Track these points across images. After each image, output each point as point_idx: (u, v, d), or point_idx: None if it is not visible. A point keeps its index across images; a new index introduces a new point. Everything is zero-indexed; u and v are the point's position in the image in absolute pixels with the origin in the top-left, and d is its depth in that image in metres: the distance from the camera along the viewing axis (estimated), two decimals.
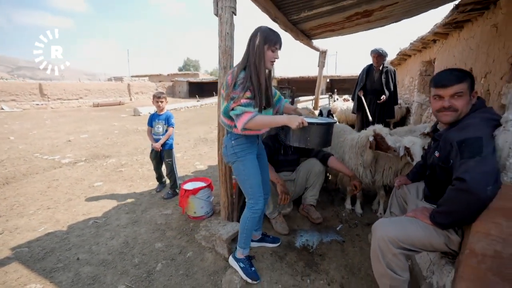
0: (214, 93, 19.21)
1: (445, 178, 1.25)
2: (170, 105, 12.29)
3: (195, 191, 2.41)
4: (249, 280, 1.68)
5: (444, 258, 1.40)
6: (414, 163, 1.86)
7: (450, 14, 3.10)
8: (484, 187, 1.00)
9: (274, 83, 1.73)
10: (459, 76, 1.24)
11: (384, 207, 2.54)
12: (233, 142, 1.60)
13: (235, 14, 1.81)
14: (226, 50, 1.82)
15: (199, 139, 6.28)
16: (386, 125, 3.48)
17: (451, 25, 3.45)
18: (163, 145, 3.04)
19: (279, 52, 1.52)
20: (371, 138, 2.15)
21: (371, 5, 2.38)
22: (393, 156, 2.12)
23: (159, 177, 3.26)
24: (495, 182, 1.02)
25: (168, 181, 3.19)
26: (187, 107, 14.18)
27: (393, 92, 3.98)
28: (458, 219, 1.13)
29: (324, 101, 7.99)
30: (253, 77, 1.44)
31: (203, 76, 27.90)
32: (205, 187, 2.50)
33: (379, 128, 2.17)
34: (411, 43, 5.38)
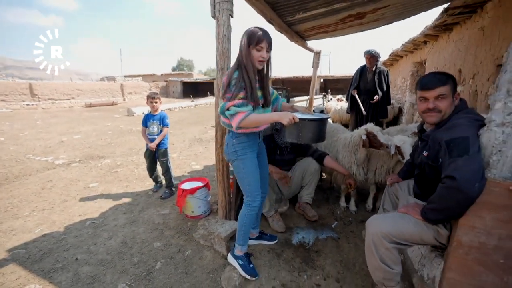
0: (208, 93, 19.08)
1: (434, 177, 1.32)
2: (164, 105, 12.20)
3: (192, 191, 2.43)
4: (248, 277, 1.72)
5: (434, 251, 1.48)
6: (405, 161, 1.93)
7: (440, 17, 3.21)
8: (472, 185, 1.07)
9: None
10: (442, 79, 1.32)
11: (373, 202, 2.67)
12: (234, 140, 1.64)
13: (232, 17, 1.85)
14: (223, 52, 1.85)
15: (194, 139, 6.29)
16: (379, 124, 3.56)
17: (441, 27, 3.57)
18: (158, 145, 3.06)
19: (265, 51, 1.49)
20: (364, 137, 2.22)
21: (364, 7, 2.43)
22: (385, 152, 2.19)
23: (155, 178, 3.28)
24: (481, 179, 1.09)
25: (164, 181, 3.21)
26: (181, 107, 14.11)
27: (386, 92, 4.08)
28: (448, 215, 1.20)
29: (318, 101, 8.07)
30: (245, 77, 1.49)
31: (197, 76, 27.70)
32: (202, 186, 2.53)
33: (371, 126, 2.25)
34: (402, 44, 5.50)
